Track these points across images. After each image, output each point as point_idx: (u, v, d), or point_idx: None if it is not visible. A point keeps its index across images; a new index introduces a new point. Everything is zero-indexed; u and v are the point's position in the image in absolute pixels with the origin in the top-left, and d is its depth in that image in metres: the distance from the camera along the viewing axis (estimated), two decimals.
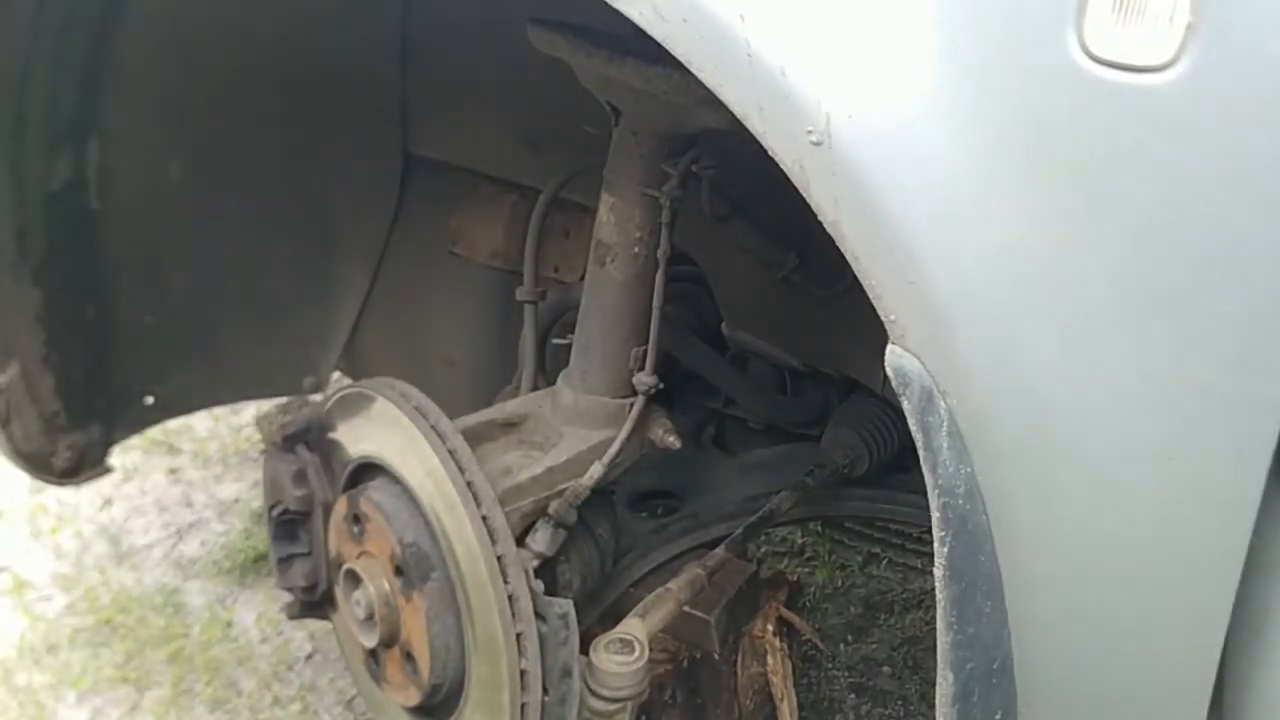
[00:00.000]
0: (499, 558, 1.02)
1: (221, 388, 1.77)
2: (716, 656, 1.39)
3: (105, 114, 1.50)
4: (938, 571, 0.79)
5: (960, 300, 0.74)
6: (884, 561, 2.38)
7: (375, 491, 1.12)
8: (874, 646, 2.19)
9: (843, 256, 0.76)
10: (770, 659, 1.46)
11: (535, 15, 1.12)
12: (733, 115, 0.77)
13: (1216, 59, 0.66)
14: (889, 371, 0.77)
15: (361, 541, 1.13)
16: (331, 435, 1.19)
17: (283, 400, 1.59)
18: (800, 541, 2.43)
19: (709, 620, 1.36)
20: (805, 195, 0.76)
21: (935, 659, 0.82)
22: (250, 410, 2.54)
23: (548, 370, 1.38)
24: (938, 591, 0.80)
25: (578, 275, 1.54)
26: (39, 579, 2.32)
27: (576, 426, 1.22)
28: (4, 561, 2.36)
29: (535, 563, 1.13)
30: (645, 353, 1.19)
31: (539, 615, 1.04)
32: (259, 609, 2.28)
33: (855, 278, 0.76)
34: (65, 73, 1.43)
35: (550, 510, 1.15)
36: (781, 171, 0.76)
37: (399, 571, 1.08)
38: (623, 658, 1.09)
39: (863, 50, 0.75)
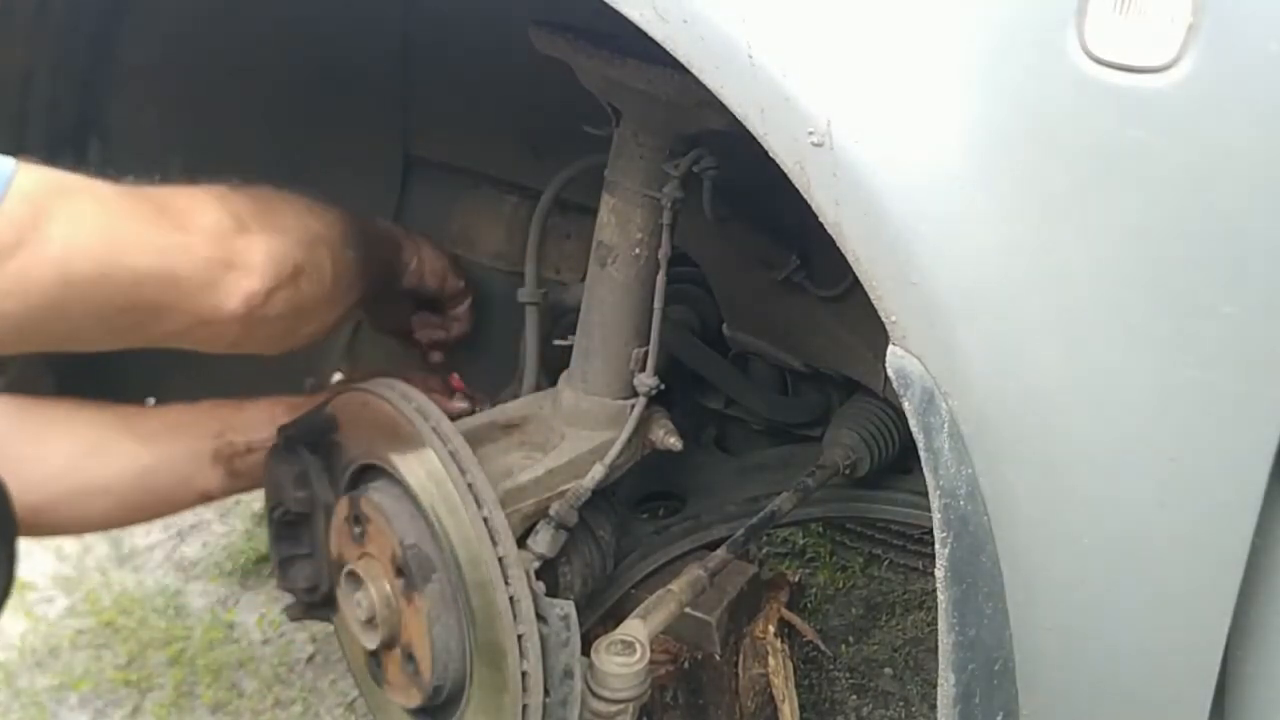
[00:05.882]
0: (500, 559, 1.02)
1: (223, 389, 1.76)
2: (718, 658, 1.38)
3: (106, 114, 1.50)
4: (939, 573, 0.79)
5: (962, 301, 0.74)
6: (885, 563, 2.37)
7: (376, 493, 1.12)
8: (875, 648, 2.19)
9: (843, 257, 0.76)
10: (772, 660, 1.46)
11: (536, 16, 1.12)
12: (733, 116, 0.77)
13: (1218, 59, 0.65)
14: (890, 373, 0.77)
15: (363, 543, 1.13)
16: (332, 437, 1.19)
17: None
18: (801, 543, 2.43)
19: (710, 621, 1.36)
20: (806, 196, 0.76)
21: (937, 660, 0.82)
22: None
23: (549, 371, 1.38)
24: (939, 593, 0.80)
25: (579, 276, 1.54)
26: (40, 581, 2.32)
27: (577, 428, 1.21)
28: None
29: (536, 564, 1.13)
30: (646, 354, 1.19)
31: (540, 617, 1.04)
32: (260, 611, 2.28)
33: (856, 279, 0.76)
34: (66, 73, 1.43)
35: (551, 511, 1.15)
36: (782, 172, 0.76)
37: (400, 573, 1.08)
38: (624, 659, 1.08)
39: (863, 52, 0.75)
